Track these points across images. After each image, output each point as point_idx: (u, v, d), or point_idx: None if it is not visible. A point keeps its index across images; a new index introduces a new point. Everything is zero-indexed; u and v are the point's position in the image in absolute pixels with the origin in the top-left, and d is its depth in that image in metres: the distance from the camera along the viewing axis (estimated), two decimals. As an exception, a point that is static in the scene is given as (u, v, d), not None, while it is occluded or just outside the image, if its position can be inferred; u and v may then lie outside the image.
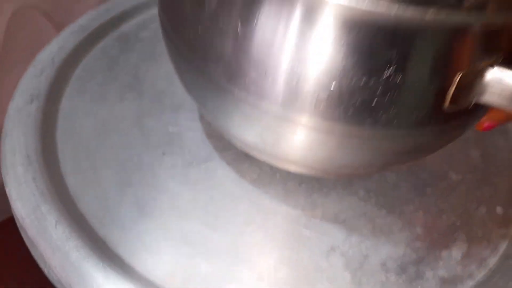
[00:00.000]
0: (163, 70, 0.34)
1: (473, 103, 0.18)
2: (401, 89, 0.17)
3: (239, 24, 0.17)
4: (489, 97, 0.17)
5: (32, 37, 0.52)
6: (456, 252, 0.25)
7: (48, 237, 0.23)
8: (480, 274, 0.24)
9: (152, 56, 0.35)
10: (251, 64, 0.18)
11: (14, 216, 0.25)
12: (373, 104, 0.17)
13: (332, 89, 0.17)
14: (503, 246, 0.26)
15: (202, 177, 0.27)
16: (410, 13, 0.15)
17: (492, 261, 0.25)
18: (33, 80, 0.31)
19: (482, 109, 0.19)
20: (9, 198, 0.25)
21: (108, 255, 0.23)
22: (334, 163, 0.22)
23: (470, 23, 0.16)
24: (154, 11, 0.40)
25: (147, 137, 0.29)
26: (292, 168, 0.25)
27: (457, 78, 0.16)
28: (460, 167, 0.30)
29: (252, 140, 0.22)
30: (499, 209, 0.28)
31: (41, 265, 0.24)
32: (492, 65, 0.17)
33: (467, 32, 0.16)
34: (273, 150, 0.22)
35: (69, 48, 0.34)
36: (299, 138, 0.20)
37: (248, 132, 0.22)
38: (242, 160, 0.28)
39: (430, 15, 0.15)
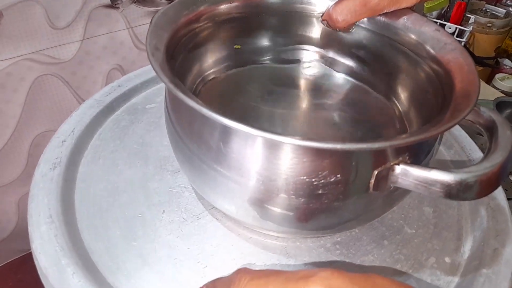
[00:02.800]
0: (165, 138, 0.40)
1: (392, 187, 0.25)
2: (342, 183, 0.24)
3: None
4: (401, 184, 0.24)
5: (51, 100, 0.59)
6: (407, 297, 0.30)
7: (67, 285, 0.28)
8: (427, 316, 0.29)
9: (157, 126, 0.42)
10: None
11: (37, 266, 0.30)
12: (326, 188, 0.25)
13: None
14: (448, 292, 0.30)
15: (195, 231, 0.33)
16: (347, 146, 0.22)
17: (438, 304, 0.30)
18: (55, 149, 0.37)
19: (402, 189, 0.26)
20: (34, 251, 0.30)
21: (116, 299, 0.27)
22: (298, 227, 0.28)
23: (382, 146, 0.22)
24: (159, 86, 0.48)
25: (150, 198, 0.35)
26: (265, 231, 0.31)
27: (374, 174, 0.24)
28: (415, 222, 0.35)
29: (228, 208, 0.28)
30: (447, 259, 0.33)
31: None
32: (398, 164, 0.23)
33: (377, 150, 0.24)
34: (246, 218, 0.28)
35: (86, 121, 0.40)
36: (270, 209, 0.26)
37: (225, 202, 0.28)
38: (228, 216, 0.33)
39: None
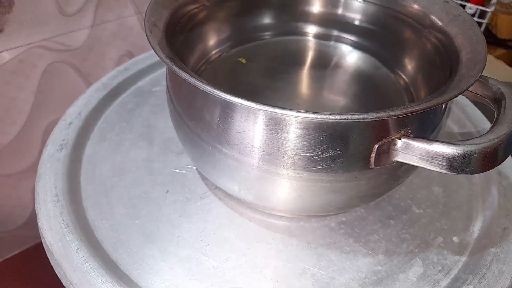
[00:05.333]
0: (170, 120, 0.40)
1: (394, 162, 0.24)
2: (341, 157, 0.24)
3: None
4: (403, 158, 0.23)
5: (63, 87, 0.60)
6: (412, 275, 0.29)
7: (71, 260, 0.28)
8: (433, 295, 0.28)
9: (163, 109, 0.42)
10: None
11: (43, 242, 0.31)
12: (325, 163, 0.24)
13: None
14: (455, 271, 0.29)
15: (198, 211, 0.33)
16: (342, 117, 0.21)
17: (444, 283, 0.29)
18: (62, 131, 0.38)
19: (407, 166, 0.25)
20: (40, 228, 0.31)
21: (119, 274, 0.28)
22: (299, 205, 0.27)
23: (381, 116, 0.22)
24: (165, 69, 0.48)
25: (155, 178, 0.35)
26: (268, 210, 0.30)
27: (375, 148, 0.23)
28: (423, 202, 0.34)
29: (231, 187, 0.28)
30: (455, 239, 0.32)
31: (64, 282, 0.29)
32: (400, 138, 0.23)
33: (377, 122, 0.23)
34: (248, 196, 0.28)
35: (93, 104, 0.41)
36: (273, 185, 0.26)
37: (227, 181, 0.28)
38: (231, 196, 0.33)
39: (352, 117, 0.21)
